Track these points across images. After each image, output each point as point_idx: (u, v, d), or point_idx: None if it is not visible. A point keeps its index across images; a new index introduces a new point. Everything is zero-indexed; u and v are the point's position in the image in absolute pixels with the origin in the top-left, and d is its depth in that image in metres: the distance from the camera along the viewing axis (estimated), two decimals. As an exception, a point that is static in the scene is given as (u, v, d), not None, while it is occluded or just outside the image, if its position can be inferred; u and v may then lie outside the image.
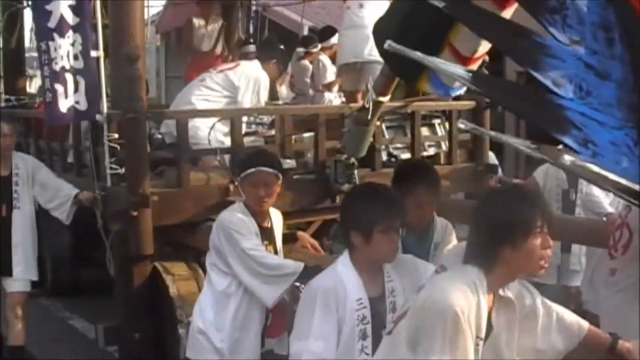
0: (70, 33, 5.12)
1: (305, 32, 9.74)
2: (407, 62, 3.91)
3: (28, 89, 10.00)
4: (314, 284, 2.74)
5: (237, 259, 3.69)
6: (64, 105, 5.20)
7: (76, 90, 5.14)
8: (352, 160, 5.45)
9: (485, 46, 3.74)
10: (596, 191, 5.07)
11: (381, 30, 4.25)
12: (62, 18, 5.02)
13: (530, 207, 2.26)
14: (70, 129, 6.51)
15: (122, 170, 5.15)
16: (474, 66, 3.87)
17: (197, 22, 8.44)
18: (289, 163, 5.45)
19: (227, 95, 5.72)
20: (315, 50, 8.16)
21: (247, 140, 5.52)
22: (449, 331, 2.12)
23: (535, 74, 2.11)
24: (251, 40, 8.66)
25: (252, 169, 3.75)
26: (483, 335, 2.23)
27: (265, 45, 6.92)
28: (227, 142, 5.42)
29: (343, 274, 2.69)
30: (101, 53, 5.20)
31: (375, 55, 6.50)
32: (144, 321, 5.15)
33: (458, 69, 2.25)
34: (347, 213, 2.82)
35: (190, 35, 8.38)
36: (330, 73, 7.72)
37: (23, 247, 5.46)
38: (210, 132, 5.20)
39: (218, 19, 8.62)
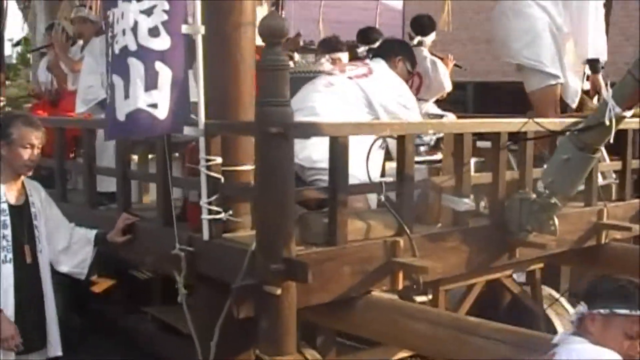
0: None
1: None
2: None
3: None
4: None
5: None
6: (122, 109, 3.25)
7: (152, 86, 3.19)
8: (554, 200, 3.72)
9: None
10: None
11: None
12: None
13: None
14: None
15: (225, 215, 3.27)
16: None
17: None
18: (467, 204, 3.68)
19: (367, 112, 3.90)
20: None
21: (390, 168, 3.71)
22: None
23: None
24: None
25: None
26: None
27: (387, 42, 4.93)
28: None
29: None
30: (200, 29, 3.27)
31: (534, 60, 4.80)
32: None
33: None
34: None
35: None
36: (447, 78, 5.74)
37: (50, 308, 3.53)
38: (368, 157, 3.35)
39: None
